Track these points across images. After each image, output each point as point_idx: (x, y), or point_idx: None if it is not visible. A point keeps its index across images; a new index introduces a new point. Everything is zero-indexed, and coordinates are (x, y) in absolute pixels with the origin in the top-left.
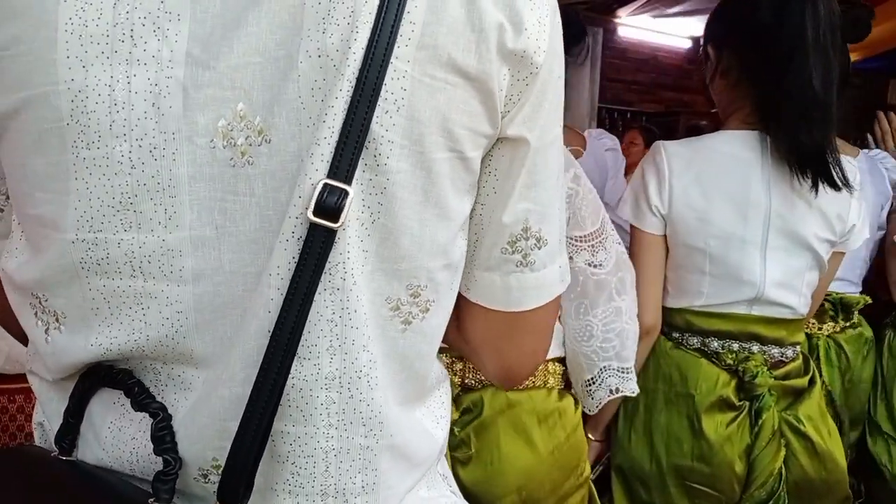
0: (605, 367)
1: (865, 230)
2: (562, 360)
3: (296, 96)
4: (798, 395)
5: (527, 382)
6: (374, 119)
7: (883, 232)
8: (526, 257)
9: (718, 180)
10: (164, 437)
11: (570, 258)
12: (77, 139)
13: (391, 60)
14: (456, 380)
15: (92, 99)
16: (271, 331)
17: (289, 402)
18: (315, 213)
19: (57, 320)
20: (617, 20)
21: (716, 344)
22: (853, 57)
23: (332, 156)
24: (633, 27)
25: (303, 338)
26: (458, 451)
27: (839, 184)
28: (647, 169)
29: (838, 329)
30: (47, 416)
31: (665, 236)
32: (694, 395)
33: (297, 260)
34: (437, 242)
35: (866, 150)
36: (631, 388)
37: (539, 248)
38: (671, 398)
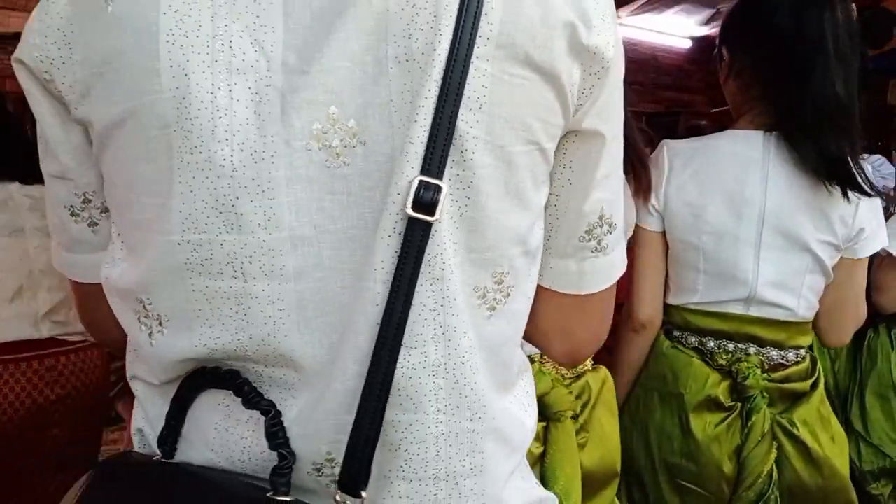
0: None
1: (881, 238)
2: None
3: (387, 99)
4: (797, 398)
5: (588, 363)
6: (460, 117)
7: None
8: (600, 243)
9: (716, 178)
10: (277, 433)
11: None
12: (181, 144)
13: (472, 60)
14: (563, 370)
15: (195, 106)
16: (379, 323)
17: (399, 391)
18: (413, 208)
19: (160, 323)
20: (617, 20)
21: (712, 343)
22: None
23: (423, 153)
24: (633, 27)
25: (408, 328)
26: (579, 436)
27: (867, 190)
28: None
29: None
30: (149, 421)
31: (663, 233)
32: (683, 394)
33: (398, 254)
34: (517, 231)
35: (864, 156)
36: None
37: (610, 234)
38: (665, 397)
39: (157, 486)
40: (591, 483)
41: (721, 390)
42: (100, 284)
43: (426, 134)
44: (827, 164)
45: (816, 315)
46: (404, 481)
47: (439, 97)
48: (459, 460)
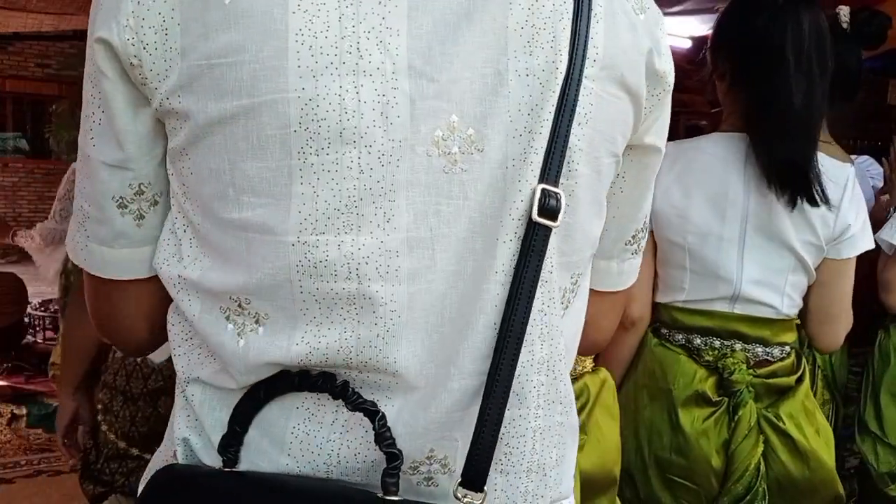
0: None
1: (867, 239)
2: None
3: (505, 110)
4: (783, 393)
5: (588, 364)
6: (571, 131)
7: None
8: (639, 245)
9: (699, 179)
10: (385, 434)
11: None
12: (305, 145)
13: (582, 79)
14: None
15: (322, 107)
16: (497, 323)
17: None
18: (539, 215)
19: (257, 322)
20: None
21: (698, 340)
22: None
23: (542, 163)
24: None
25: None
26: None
27: (818, 200)
28: None
29: None
30: (200, 429)
31: (651, 232)
32: (672, 390)
33: (515, 257)
34: (594, 236)
35: (855, 157)
36: None
37: (644, 237)
38: (654, 393)
39: (233, 499)
40: (589, 486)
41: (708, 385)
42: (132, 282)
43: (545, 144)
44: (778, 169)
45: (807, 321)
46: (501, 474)
47: (556, 111)
48: (549, 453)
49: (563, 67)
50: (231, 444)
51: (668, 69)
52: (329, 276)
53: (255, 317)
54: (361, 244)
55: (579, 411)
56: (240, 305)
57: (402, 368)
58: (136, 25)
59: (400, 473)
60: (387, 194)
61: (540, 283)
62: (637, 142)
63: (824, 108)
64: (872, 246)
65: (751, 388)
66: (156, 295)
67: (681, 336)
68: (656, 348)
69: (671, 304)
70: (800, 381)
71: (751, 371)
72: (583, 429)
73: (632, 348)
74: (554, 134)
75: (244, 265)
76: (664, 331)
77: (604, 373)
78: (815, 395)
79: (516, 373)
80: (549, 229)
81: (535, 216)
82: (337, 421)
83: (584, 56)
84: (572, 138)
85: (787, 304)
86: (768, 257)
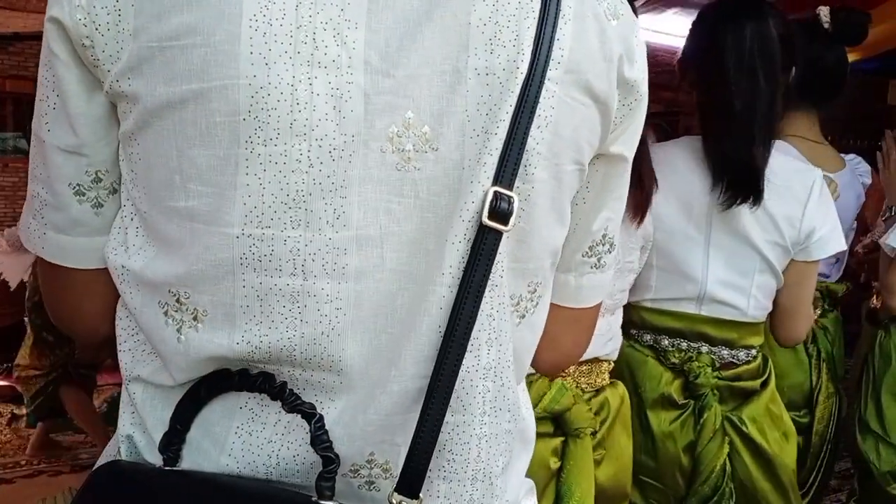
0: None
1: (836, 241)
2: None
3: (463, 109)
4: (747, 396)
5: (606, 377)
6: (529, 134)
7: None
8: (600, 260)
9: (670, 179)
10: (322, 437)
11: None
12: (253, 135)
13: (545, 81)
14: (582, 384)
15: (273, 97)
16: (442, 326)
17: (453, 392)
18: (489, 218)
19: (195, 318)
20: None
21: (666, 342)
22: (853, 57)
23: (496, 165)
24: None
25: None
26: (596, 452)
27: (755, 199)
28: None
29: (821, 314)
30: (143, 427)
31: None
32: (640, 393)
33: (465, 260)
34: (554, 245)
35: (847, 156)
36: None
37: (609, 252)
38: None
39: (177, 498)
40: (603, 499)
41: (674, 388)
42: (91, 271)
43: (501, 146)
44: (722, 168)
45: (771, 316)
46: (444, 481)
47: (515, 113)
48: (495, 460)
49: (524, 67)
50: (172, 442)
51: (639, 78)
52: (273, 271)
53: (193, 313)
54: (309, 240)
55: (600, 425)
56: (178, 300)
57: (346, 367)
58: (88, 5)
59: (339, 476)
60: (338, 190)
61: (489, 288)
62: (604, 150)
63: (775, 110)
64: (844, 248)
65: (715, 392)
66: (115, 285)
67: (649, 336)
68: (626, 349)
69: (639, 304)
70: (765, 384)
71: (716, 374)
72: (602, 444)
73: None
74: (511, 135)
75: (186, 256)
76: (633, 331)
77: (621, 387)
78: (819, 388)
79: (460, 378)
80: (499, 233)
81: (484, 219)
82: (280, 422)
83: (547, 57)
84: (531, 141)
85: (754, 306)
86: (734, 257)
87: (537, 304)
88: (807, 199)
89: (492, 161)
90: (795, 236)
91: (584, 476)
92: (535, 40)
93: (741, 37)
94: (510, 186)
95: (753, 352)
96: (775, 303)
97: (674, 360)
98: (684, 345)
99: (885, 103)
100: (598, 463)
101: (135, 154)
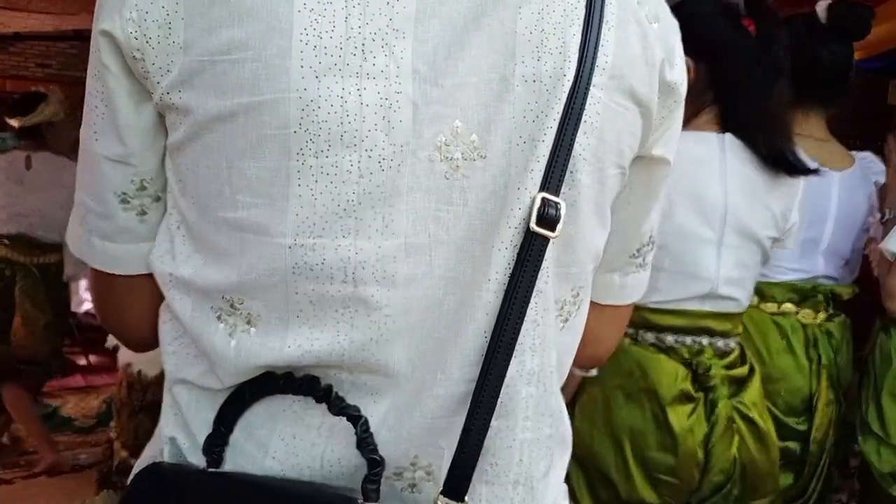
0: None
1: (794, 231)
2: None
3: (510, 116)
4: (741, 383)
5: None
6: (576, 140)
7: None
8: (644, 259)
9: (678, 179)
10: (367, 439)
11: None
12: (304, 147)
13: (590, 88)
14: None
15: (324, 109)
16: (488, 332)
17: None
18: (537, 224)
19: (248, 322)
20: None
21: (671, 339)
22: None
23: (543, 172)
24: None
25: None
26: None
27: (807, 169)
28: None
29: (826, 318)
30: (187, 429)
31: None
32: (657, 391)
33: (511, 266)
34: (597, 249)
35: (857, 153)
36: None
37: (651, 251)
38: (632, 393)
39: (222, 498)
40: None
41: (689, 382)
42: (136, 277)
43: (548, 153)
44: (774, 156)
45: None
46: (486, 485)
47: (562, 119)
48: (536, 465)
49: (570, 74)
50: (215, 444)
51: (679, 80)
52: (325, 279)
53: (246, 317)
54: (359, 248)
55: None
56: (232, 305)
57: (393, 371)
58: (139, 18)
59: (383, 479)
60: (387, 199)
61: (535, 294)
62: (645, 153)
63: (782, 103)
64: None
65: (724, 382)
66: (158, 291)
67: (650, 335)
68: (631, 348)
69: (644, 305)
70: (752, 370)
71: (722, 365)
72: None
73: None
74: (558, 142)
75: (238, 265)
76: (630, 331)
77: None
78: (819, 395)
79: (505, 383)
80: (546, 239)
81: (532, 225)
82: (324, 425)
83: (593, 63)
84: (577, 147)
85: (746, 297)
86: (742, 254)
87: (579, 307)
88: (797, 194)
89: (539, 168)
90: (784, 227)
91: None
92: (580, 47)
93: (768, 34)
94: (557, 193)
95: (738, 339)
96: None
97: (684, 354)
98: (688, 340)
99: (885, 103)
100: None
101: (183, 164)
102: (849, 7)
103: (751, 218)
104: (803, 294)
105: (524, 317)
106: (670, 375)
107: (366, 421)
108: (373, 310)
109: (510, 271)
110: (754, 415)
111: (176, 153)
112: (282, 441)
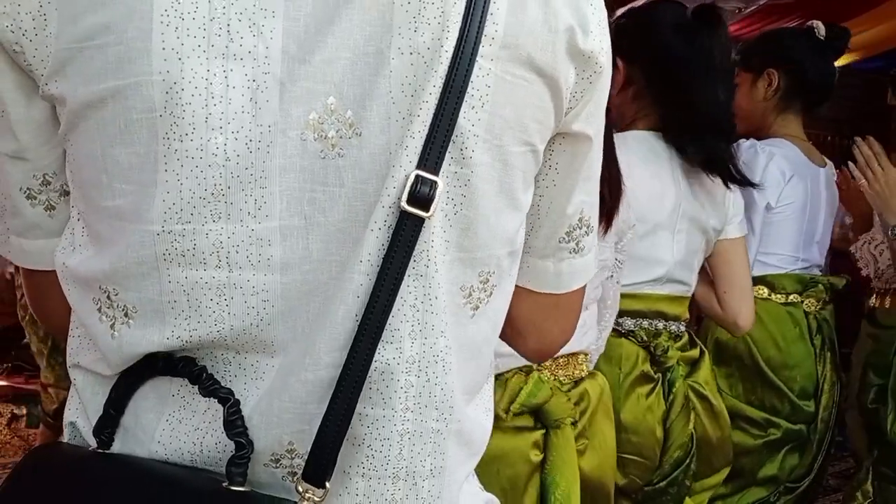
0: None
1: (740, 222)
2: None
3: (387, 91)
4: (694, 363)
5: (585, 369)
6: (461, 114)
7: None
8: (578, 244)
9: (637, 171)
10: (235, 422)
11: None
12: (169, 131)
13: (477, 59)
14: (560, 377)
15: (188, 91)
16: (359, 315)
17: (370, 385)
18: (408, 203)
19: (126, 315)
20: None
21: (630, 322)
22: (853, 57)
23: (421, 148)
24: None
25: (387, 322)
26: (578, 442)
27: (739, 179)
28: None
29: (821, 307)
30: (85, 413)
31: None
32: (619, 372)
33: (385, 247)
34: (507, 232)
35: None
36: None
37: (587, 235)
38: None
39: (95, 477)
40: (588, 489)
41: (648, 364)
42: (51, 272)
43: (426, 129)
44: (710, 161)
45: (722, 303)
46: (363, 478)
47: (442, 93)
48: (421, 460)
49: (448, 45)
50: (105, 426)
51: (597, 48)
52: (198, 265)
53: (123, 310)
54: (231, 232)
55: (580, 415)
56: (108, 297)
57: (280, 354)
58: (12, 11)
59: (262, 466)
60: (257, 181)
61: (413, 277)
62: (565, 129)
63: (732, 110)
64: (746, 229)
65: (680, 363)
66: None
67: None
68: None
69: None
70: (702, 352)
71: (677, 346)
72: (584, 434)
73: None
74: (437, 117)
75: (113, 255)
76: None
77: (600, 377)
78: (825, 378)
79: (380, 370)
80: (420, 219)
81: (403, 204)
82: (209, 410)
83: (479, 33)
84: (465, 123)
85: (693, 282)
86: (689, 239)
87: (491, 293)
88: (732, 190)
89: (415, 144)
90: (724, 218)
91: (567, 467)
92: (463, 16)
93: (720, 42)
94: (436, 170)
95: (686, 323)
96: (717, 282)
97: (643, 337)
98: (645, 323)
99: (885, 103)
100: (581, 453)
101: (70, 155)
102: (839, 28)
103: (698, 207)
104: (805, 284)
105: (393, 300)
106: (630, 358)
107: (235, 402)
108: (249, 295)
109: (384, 253)
110: (708, 392)
111: (64, 144)
112: (168, 425)
